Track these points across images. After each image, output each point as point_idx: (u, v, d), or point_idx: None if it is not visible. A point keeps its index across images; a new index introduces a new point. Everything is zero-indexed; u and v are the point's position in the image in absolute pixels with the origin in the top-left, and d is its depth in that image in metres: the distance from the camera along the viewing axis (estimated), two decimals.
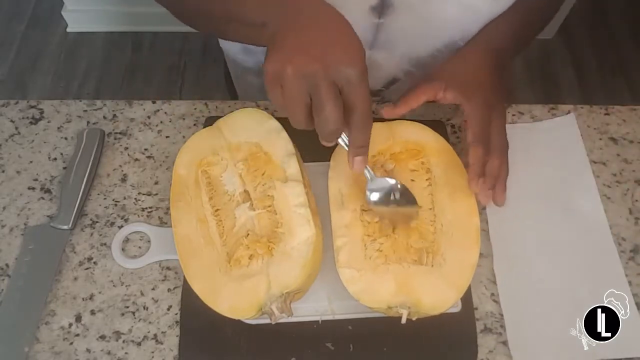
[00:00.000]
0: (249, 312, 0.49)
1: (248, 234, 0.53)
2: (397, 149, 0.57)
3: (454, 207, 0.54)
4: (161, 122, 0.67)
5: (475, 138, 0.54)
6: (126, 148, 0.65)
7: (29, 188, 0.62)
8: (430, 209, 0.55)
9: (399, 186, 0.53)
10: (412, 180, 0.57)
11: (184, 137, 0.66)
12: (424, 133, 0.57)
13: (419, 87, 0.57)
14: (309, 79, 0.42)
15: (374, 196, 0.52)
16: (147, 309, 0.55)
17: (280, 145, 0.55)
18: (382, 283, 0.49)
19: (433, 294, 0.49)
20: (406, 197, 0.53)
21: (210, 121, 0.64)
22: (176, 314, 0.54)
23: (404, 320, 0.48)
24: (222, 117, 0.59)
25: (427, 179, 0.56)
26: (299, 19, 0.46)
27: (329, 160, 0.57)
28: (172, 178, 0.56)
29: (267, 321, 0.52)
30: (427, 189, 0.56)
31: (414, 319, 0.49)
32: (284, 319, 0.52)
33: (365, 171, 0.51)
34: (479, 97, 0.56)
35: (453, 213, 0.53)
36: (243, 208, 0.55)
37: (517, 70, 1.81)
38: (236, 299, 0.49)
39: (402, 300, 0.48)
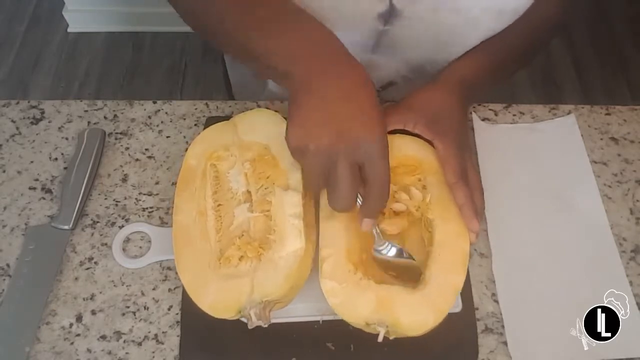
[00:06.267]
0: (228, 313, 0.48)
1: (242, 235, 0.53)
2: (394, 163, 0.57)
3: (445, 229, 0.53)
4: (162, 122, 0.67)
5: (457, 177, 0.53)
6: (127, 148, 0.65)
7: (29, 188, 0.62)
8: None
9: (403, 253, 0.53)
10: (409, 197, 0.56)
11: (184, 137, 0.66)
12: (424, 150, 0.57)
13: (390, 116, 0.57)
14: (329, 158, 0.44)
15: (380, 250, 0.53)
16: (147, 309, 0.55)
17: (289, 152, 0.55)
18: (362, 299, 0.49)
19: (412, 315, 0.48)
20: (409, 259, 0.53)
21: (211, 121, 0.64)
22: (177, 314, 0.54)
23: (380, 339, 0.48)
24: (222, 117, 0.59)
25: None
26: (323, 78, 0.46)
27: None
28: (182, 166, 0.56)
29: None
30: (423, 208, 0.55)
31: (391, 338, 0.49)
32: (285, 319, 0.53)
33: (373, 230, 0.51)
34: (450, 136, 0.55)
35: (443, 234, 0.52)
36: (242, 208, 0.54)
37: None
38: (218, 297, 0.49)
39: (381, 318, 0.48)
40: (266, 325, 0.47)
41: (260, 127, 0.57)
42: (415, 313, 0.48)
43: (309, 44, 0.47)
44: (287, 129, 0.45)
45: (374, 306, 0.48)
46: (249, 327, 0.47)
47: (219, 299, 0.49)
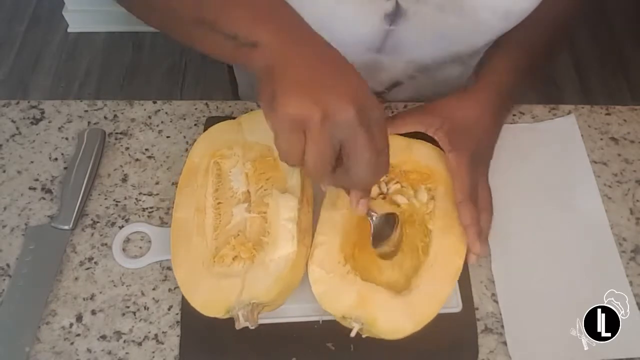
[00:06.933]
0: (218, 312, 0.49)
1: (238, 234, 0.53)
2: (408, 167, 0.57)
3: (443, 242, 0.53)
4: (162, 122, 0.67)
5: (465, 195, 0.52)
6: (127, 148, 0.65)
7: (29, 188, 0.62)
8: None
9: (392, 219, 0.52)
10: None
11: (184, 137, 0.66)
12: (439, 160, 0.56)
13: (414, 116, 0.56)
14: (344, 126, 0.37)
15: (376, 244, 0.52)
16: (147, 309, 0.55)
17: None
18: (345, 292, 0.49)
19: (390, 319, 0.48)
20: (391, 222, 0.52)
21: (211, 121, 0.64)
22: (177, 314, 0.54)
23: (353, 334, 0.48)
24: (223, 117, 0.59)
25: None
26: (302, 48, 0.40)
27: None
28: (185, 163, 0.57)
29: (268, 321, 0.52)
30: (426, 216, 0.55)
31: (363, 336, 0.49)
32: (285, 319, 0.53)
33: (370, 218, 0.50)
34: (467, 150, 0.54)
35: (440, 247, 0.52)
36: (241, 208, 0.55)
37: None
38: (209, 295, 0.49)
39: (358, 314, 0.48)
40: (253, 327, 0.47)
41: (264, 128, 0.56)
42: (393, 318, 0.48)
43: (268, 10, 0.42)
44: (274, 97, 0.38)
45: (354, 301, 0.48)
46: (237, 327, 0.47)
47: (209, 298, 0.49)
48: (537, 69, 0.66)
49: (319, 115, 0.37)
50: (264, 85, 0.40)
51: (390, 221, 0.52)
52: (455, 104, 0.57)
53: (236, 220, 0.54)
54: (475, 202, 0.53)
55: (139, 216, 0.60)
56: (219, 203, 0.55)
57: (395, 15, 0.58)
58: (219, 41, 0.42)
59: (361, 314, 0.48)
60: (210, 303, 0.49)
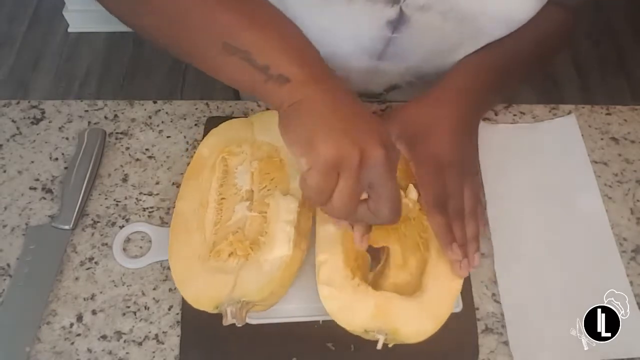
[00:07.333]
0: (208, 306, 0.49)
1: (237, 231, 0.53)
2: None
3: None
4: (162, 122, 0.67)
5: (430, 207, 0.50)
6: (127, 148, 0.65)
7: (30, 188, 0.62)
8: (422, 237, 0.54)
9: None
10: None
11: (185, 137, 0.66)
12: None
13: None
14: (378, 167, 0.39)
15: None
16: (148, 308, 0.55)
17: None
18: (360, 305, 0.48)
19: (411, 323, 0.48)
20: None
21: (211, 121, 0.65)
22: (177, 313, 0.54)
23: (379, 346, 0.47)
24: (223, 117, 0.59)
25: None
26: (329, 88, 0.41)
27: None
28: (195, 155, 0.57)
29: (268, 321, 0.52)
30: (420, 212, 0.54)
31: (390, 345, 0.48)
32: (285, 319, 0.52)
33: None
34: (428, 159, 0.52)
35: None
36: (242, 205, 0.55)
37: None
38: (201, 289, 0.49)
39: (379, 326, 0.47)
40: (240, 325, 0.47)
41: (275, 128, 0.57)
42: (413, 321, 0.48)
43: (301, 46, 0.43)
44: (312, 141, 0.39)
45: (372, 313, 0.48)
46: (224, 323, 0.47)
47: (201, 291, 0.49)
48: (515, 73, 0.64)
49: (358, 157, 0.38)
50: (293, 122, 0.41)
51: (380, 252, 0.53)
52: (413, 112, 0.55)
53: (237, 218, 0.54)
54: (445, 211, 0.51)
55: (140, 216, 0.60)
56: (222, 199, 0.56)
57: (398, 22, 0.58)
58: (246, 70, 0.42)
59: (382, 325, 0.47)
60: (202, 296, 0.49)
